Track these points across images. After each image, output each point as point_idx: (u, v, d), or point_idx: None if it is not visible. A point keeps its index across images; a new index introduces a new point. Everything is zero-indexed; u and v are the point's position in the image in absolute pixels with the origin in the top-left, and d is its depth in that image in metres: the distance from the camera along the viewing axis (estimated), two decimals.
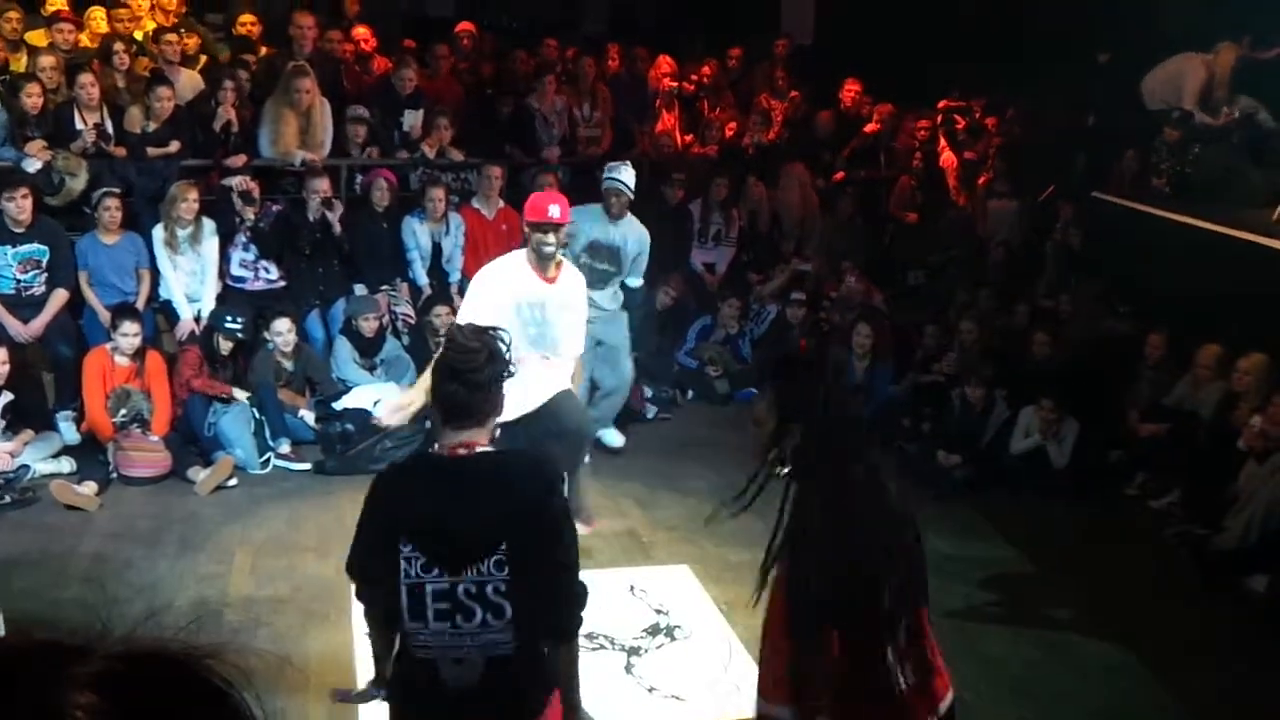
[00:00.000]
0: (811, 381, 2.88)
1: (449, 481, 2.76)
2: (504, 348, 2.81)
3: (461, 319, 4.91)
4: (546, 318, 5.26)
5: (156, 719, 0.69)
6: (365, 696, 3.20)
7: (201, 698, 0.72)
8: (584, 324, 5.56)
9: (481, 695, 2.73)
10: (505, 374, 2.81)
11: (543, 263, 5.26)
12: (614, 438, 7.31)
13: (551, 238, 5.23)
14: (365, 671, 4.74)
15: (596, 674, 4.73)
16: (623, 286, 6.93)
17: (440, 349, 2.90)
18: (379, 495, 2.85)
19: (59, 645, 0.74)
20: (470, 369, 2.74)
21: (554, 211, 5.22)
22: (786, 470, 2.83)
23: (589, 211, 6.84)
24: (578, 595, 2.86)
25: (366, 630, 3.14)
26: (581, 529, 4.16)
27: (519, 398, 4.71)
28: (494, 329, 2.86)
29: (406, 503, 2.77)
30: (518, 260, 5.31)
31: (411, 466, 3.14)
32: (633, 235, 6.88)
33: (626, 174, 6.84)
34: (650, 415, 8.03)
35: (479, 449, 2.79)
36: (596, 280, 6.82)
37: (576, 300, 5.44)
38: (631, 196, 6.83)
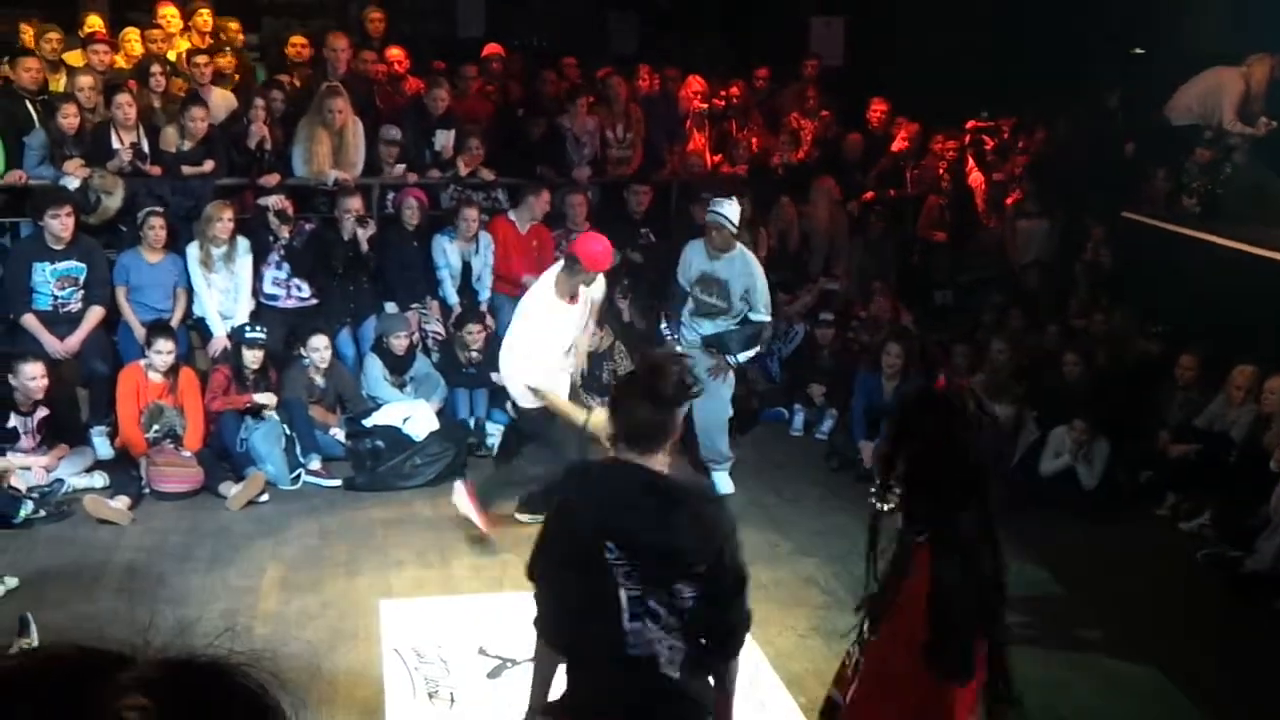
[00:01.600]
0: (954, 422, 2.77)
1: (647, 494, 2.85)
2: (691, 374, 2.93)
3: (522, 337, 5.94)
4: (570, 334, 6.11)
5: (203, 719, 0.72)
6: None
7: (242, 701, 0.75)
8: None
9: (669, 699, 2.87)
10: (691, 395, 2.90)
11: (573, 292, 5.99)
12: (724, 483, 7.10)
13: (597, 279, 6.06)
14: (393, 687, 4.79)
15: None
16: (745, 321, 6.98)
17: (630, 372, 3.17)
18: (573, 501, 2.97)
19: (104, 653, 0.77)
20: (662, 390, 2.83)
21: (608, 265, 6.08)
22: (893, 508, 2.82)
23: (697, 244, 7.00)
24: (748, 619, 2.98)
25: (534, 655, 3.16)
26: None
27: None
28: (682, 354, 3.11)
29: (611, 509, 2.85)
30: (549, 287, 6.00)
31: (605, 474, 3.04)
32: (738, 270, 6.88)
33: (729, 208, 6.79)
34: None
35: (662, 462, 2.89)
36: (705, 313, 6.94)
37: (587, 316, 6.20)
38: (734, 230, 6.82)
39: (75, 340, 7.31)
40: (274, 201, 7.82)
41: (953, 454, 2.72)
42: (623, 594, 2.77)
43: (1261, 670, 5.34)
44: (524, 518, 6.29)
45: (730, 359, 7.00)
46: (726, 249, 6.86)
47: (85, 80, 8.05)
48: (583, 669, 2.92)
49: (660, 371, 2.86)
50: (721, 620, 2.88)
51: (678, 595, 2.78)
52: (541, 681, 3.10)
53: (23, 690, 0.71)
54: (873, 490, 2.86)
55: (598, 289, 6.24)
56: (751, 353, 7.16)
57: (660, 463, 2.89)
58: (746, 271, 6.89)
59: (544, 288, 6.00)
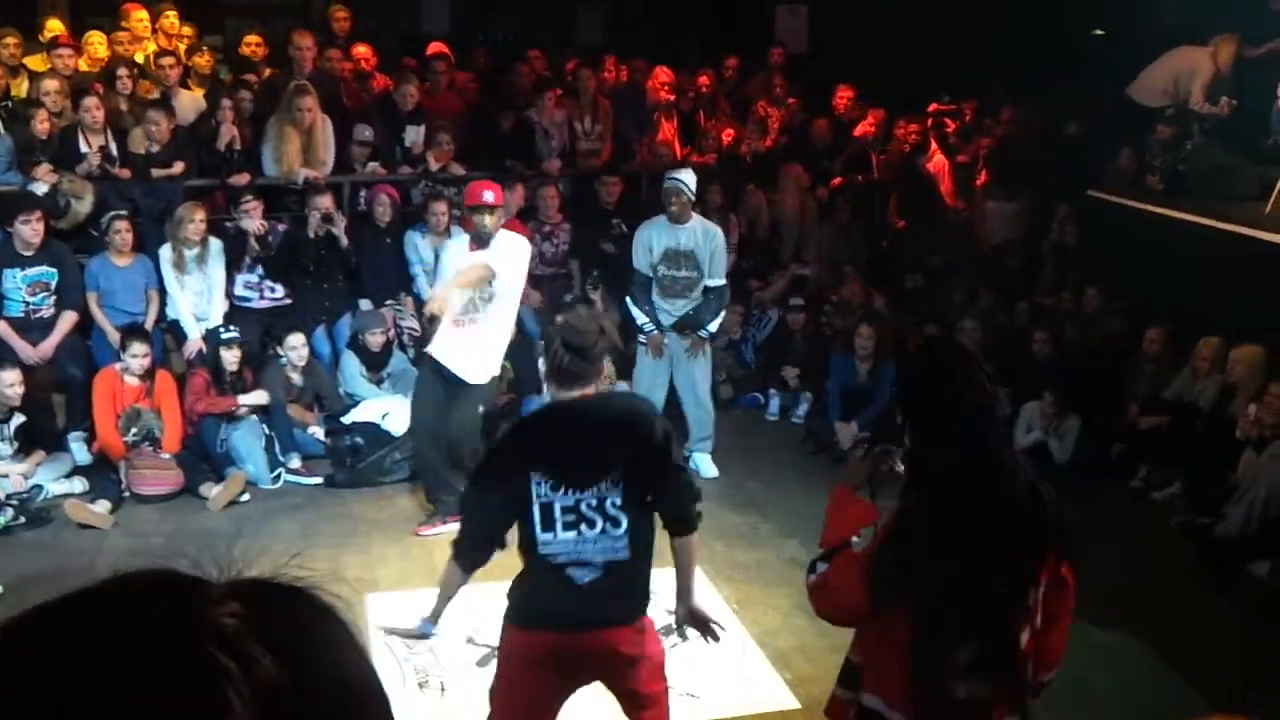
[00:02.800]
0: (951, 360, 2.89)
1: (571, 418, 3.31)
2: (614, 329, 3.46)
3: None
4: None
5: (292, 624, 0.76)
6: (415, 634, 3.84)
7: (323, 614, 0.80)
8: (506, 290, 6.02)
9: (601, 590, 3.25)
10: (614, 349, 3.43)
11: (480, 240, 6.03)
12: (707, 467, 7.23)
13: (488, 219, 6.00)
14: (383, 677, 4.80)
15: None
16: (705, 290, 7.05)
17: (560, 323, 3.53)
18: (509, 442, 3.44)
19: (184, 575, 0.81)
20: (586, 345, 3.29)
21: (488, 196, 6.02)
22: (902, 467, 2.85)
23: (654, 223, 7.06)
24: (694, 490, 3.47)
25: (444, 572, 3.69)
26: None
27: (449, 346, 6.06)
28: (606, 315, 3.47)
29: (536, 440, 3.32)
30: (461, 239, 6.31)
31: (537, 415, 3.69)
32: (701, 235, 7.00)
33: (687, 175, 6.97)
34: None
35: (590, 393, 3.36)
36: (680, 290, 6.98)
37: (502, 267, 5.95)
38: (692, 197, 6.94)
39: (49, 346, 7.28)
40: (255, 227, 7.74)
41: (949, 389, 2.77)
42: (556, 505, 3.20)
43: (1235, 633, 5.46)
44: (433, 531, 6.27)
45: (703, 333, 7.10)
46: (685, 218, 6.97)
47: (51, 84, 8.02)
48: (525, 582, 3.36)
49: (583, 330, 3.33)
50: (666, 500, 3.36)
51: (608, 495, 3.22)
52: (445, 599, 3.74)
53: (118, 604, 0.75)
54: (887, 449, 2.91)
55: (503, 261, 5.99)
56: (720, 319, 7.26)
57: (590, 390, 3.35)
58: (709, 236, 7.02)
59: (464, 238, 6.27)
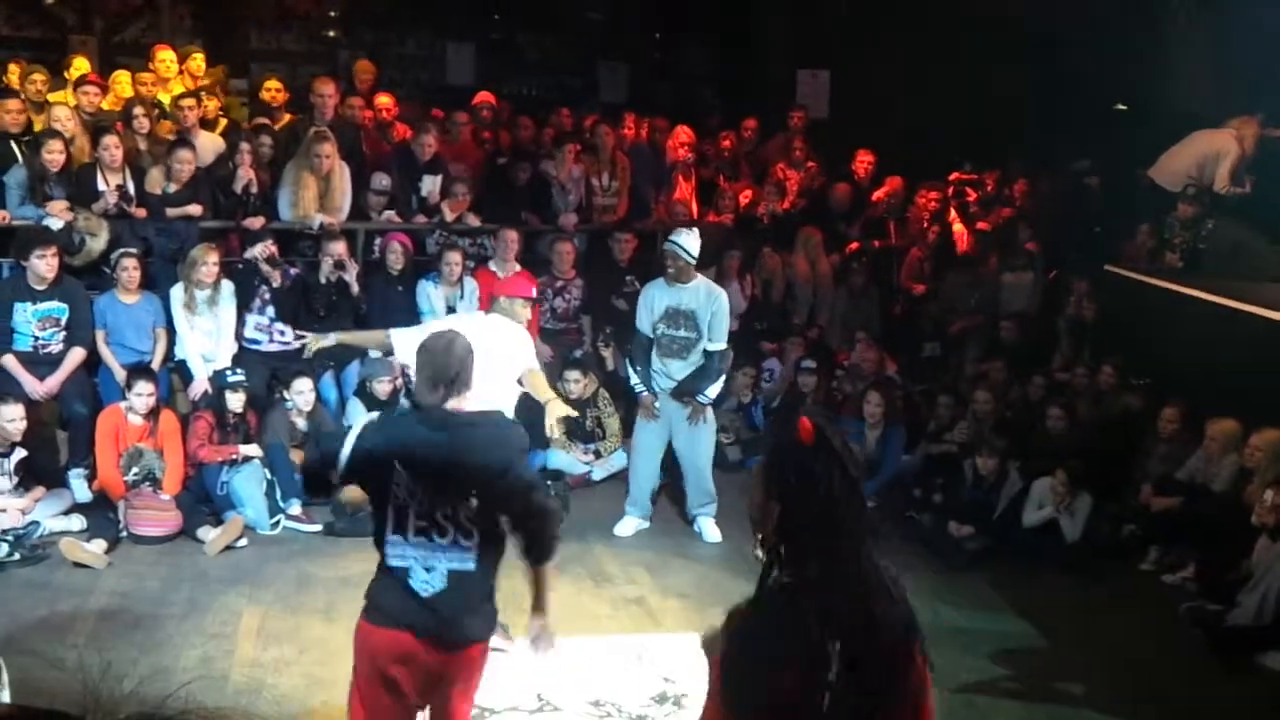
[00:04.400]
0: (809, 458, 2.44)
1: (439, 429, 3.41)
2: (461, 343, 3.56)
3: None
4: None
5: None
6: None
7: None
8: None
9: (442, 601, 3.36)
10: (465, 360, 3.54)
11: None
12: (710, 532, 7.14)
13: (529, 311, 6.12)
14: None
15: None
16: (706, 355, 6.96)
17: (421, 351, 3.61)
18: (375, 429, 3.52)
19: (54, 716, 0.75)
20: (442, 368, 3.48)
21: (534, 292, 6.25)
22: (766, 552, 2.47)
23: (657, 283, 7.03)
24: (549, 524, 3.52)
25: None
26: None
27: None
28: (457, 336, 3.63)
29: (406, 437, 3.41)
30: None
31: (410, 414, 3.69)
32: (704, 297, 6.93)
33: (687, 238, 6.89)
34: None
35: (462, 409, 3.48)
36: (678, 351, 6.91)
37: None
38: (690, 261, 6.86)
39: (55, 382, 7.26)
40: (259, 250, 7.78)
41: (815, 496, 2.40)
42: (411, 510, 3.33)
43: None
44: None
45: (701, 399, 7.01)
46: (686, 279, 6.92)
47: (61, 112, 8.05)
48: (383, 569, 3.47)
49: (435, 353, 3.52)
50: (525, 528, 3.46)
51: (462, 508, 3.34)
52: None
53: None
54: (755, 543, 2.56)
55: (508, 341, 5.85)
56: (719, 384, 7.15)
57: (463, 405, 3.50)
58: (711, 298, 6.95)
59: (525, 334, 5.95)
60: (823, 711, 2.29)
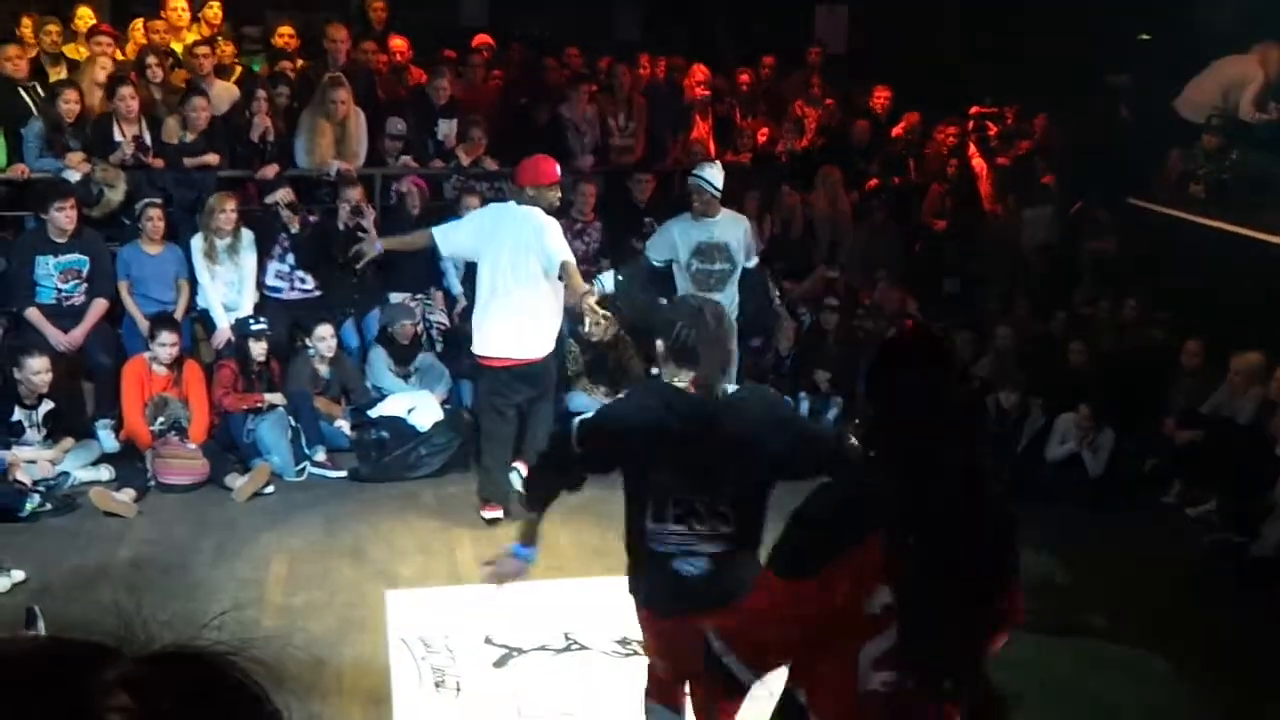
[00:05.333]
0: (913, 367, 2.56)
1: (696, 411, 3.26)
2: (713, 317, 3.37)
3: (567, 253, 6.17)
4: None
5: (186, 716, 0.71)
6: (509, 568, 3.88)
7: (227, 693, 0.74)
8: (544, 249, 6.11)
9: (711, 582, 3.22)
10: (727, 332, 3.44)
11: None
12: None
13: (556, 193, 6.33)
14: (400, 677, 4.80)
15: (629, 681, 4.74)
16: (744, 274, 7.01)
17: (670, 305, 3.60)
18: (626, 409, 3.50)
19: (91, 647, 0.76)
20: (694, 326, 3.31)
21: (557, 170, 6.34)
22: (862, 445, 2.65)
23: (680, 220, 7.00)
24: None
25: (532, 484, 4.00)
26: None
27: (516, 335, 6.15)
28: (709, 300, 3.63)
29: (662, 419, 3.25)
30: (552, 222, 6.27)
31: (661, 392, 3.40)
32: (731, 226, 6.96)
33: (711, 171, 6.88)
34: None
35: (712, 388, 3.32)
36: (715, 284, 6.91)
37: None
38: (716, 193, 6.85)
39: (79, 333, 7.30)
40: (281, 195, 7.80)
41: (920, 391, 2.52)
42: (671, 497, 3.23)
43: (1267, 654, 5.33)
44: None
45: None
46: (714, 212, 6.90)
47: (100, 74, 8.03)
48: (647, 555, 3.33)
49: (690, 311, 3.39)
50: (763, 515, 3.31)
51: (721, 497, 3.22)
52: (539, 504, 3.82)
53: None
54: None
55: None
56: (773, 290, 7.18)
57: (695, 382, 3.31)
58: (737, 224, 7.00)
59: (552, 224, 6.19)
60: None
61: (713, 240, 6.90)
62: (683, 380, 3.31)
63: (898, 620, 2.43)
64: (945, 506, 2.44)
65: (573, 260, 6.15)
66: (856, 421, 2.67)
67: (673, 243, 6.95)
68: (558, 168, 6.36)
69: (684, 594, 3.24)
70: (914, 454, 2.46)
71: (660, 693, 3.58)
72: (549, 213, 6.22)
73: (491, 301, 6.21)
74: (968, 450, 2.59)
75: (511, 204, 6.40)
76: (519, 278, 6.14)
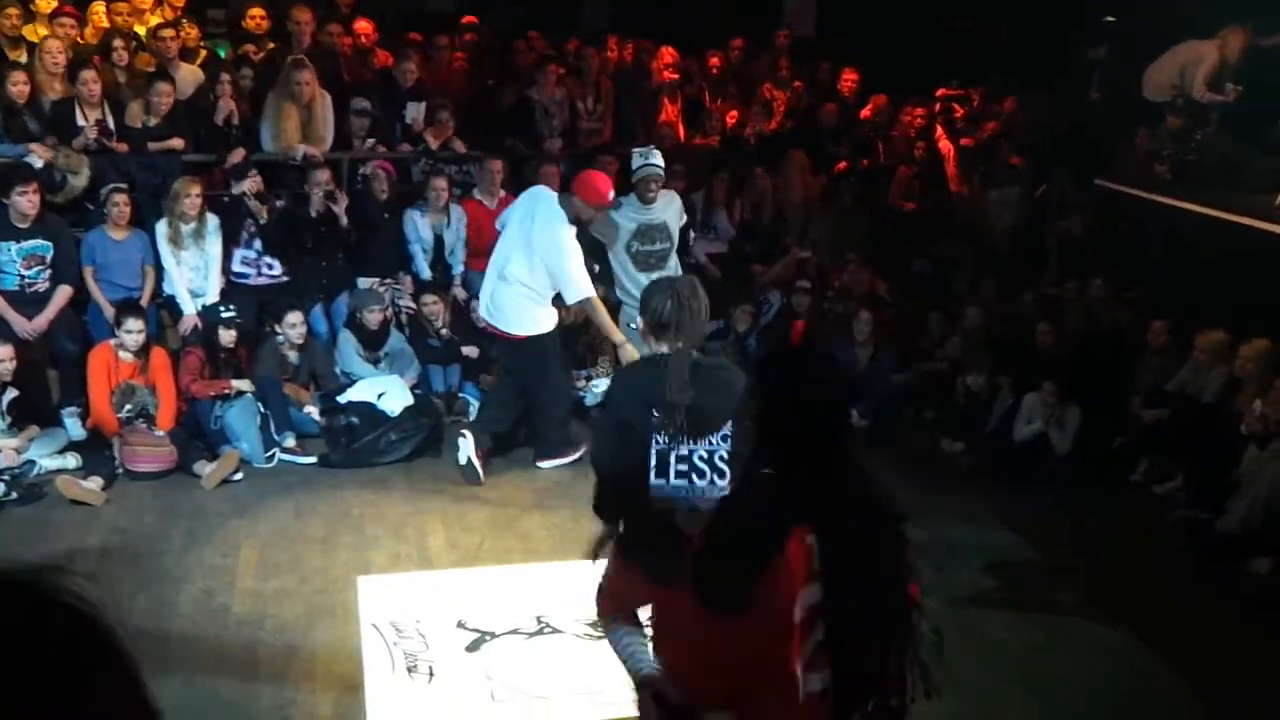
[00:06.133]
0: (799, 372, 2.52)
1: (687, 373, 3.50)
2: (687, 291, 3.64)
3: (573, 254, 6.52)
4: None
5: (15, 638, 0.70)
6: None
7: (43, 612, 0.73)
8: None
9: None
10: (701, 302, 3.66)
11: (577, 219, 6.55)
12: None
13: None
14: (372, 662, 4.79)
15: (601, 663, 4.75)
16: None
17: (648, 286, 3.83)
18: (628, 381, 3.76)
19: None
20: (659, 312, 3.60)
21: (609, 196, 6.62)
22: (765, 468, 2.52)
23: (625, 202, 7.10)
24: None
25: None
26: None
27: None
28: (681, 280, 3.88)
29: (658, 383, 3.50)
30: (560, 214, 6.56)
31: (653, 361, 3.67)
32: (666, 203, 7.15)
33: (656, 156, 7.09)
34: None
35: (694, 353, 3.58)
36: (655, 263, 7.05)
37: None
38: (662, 175, 7.09)
39: (43, 320, 7.22)
40: (248, 185, 7.72)
41: (800, 406, 2.46)
42: (672, 454, 3.46)
43: (1232, 629, 5.40)
44: (545, 465, 6.86)
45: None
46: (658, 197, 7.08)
47: (54, 45, 7.92)
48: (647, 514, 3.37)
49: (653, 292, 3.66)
50: None
51: (718, 449, 3.44)
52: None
53: None
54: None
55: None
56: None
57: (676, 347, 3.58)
58: (671, 202, 7.19)
59: (558, 216, 6.47)
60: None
61: (653, 222, 7.07)
62: (667, 351, 3.57)
63: (825, 616, 2.36)
64: (855, 502, 2.41)
65: (593, 297, 6.55)
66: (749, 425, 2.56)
67: (611, 234, 7.04)
68: (611, 194, 6.63)
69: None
70: (815, 458, 2.41)
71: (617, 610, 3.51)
72: (572, 221, 6.50)
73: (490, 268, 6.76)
74: (850, 451, 2.49)
75: (545, 190, 6.78)
76: (506, 253, 6.58)
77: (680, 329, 3.56)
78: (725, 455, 3.46)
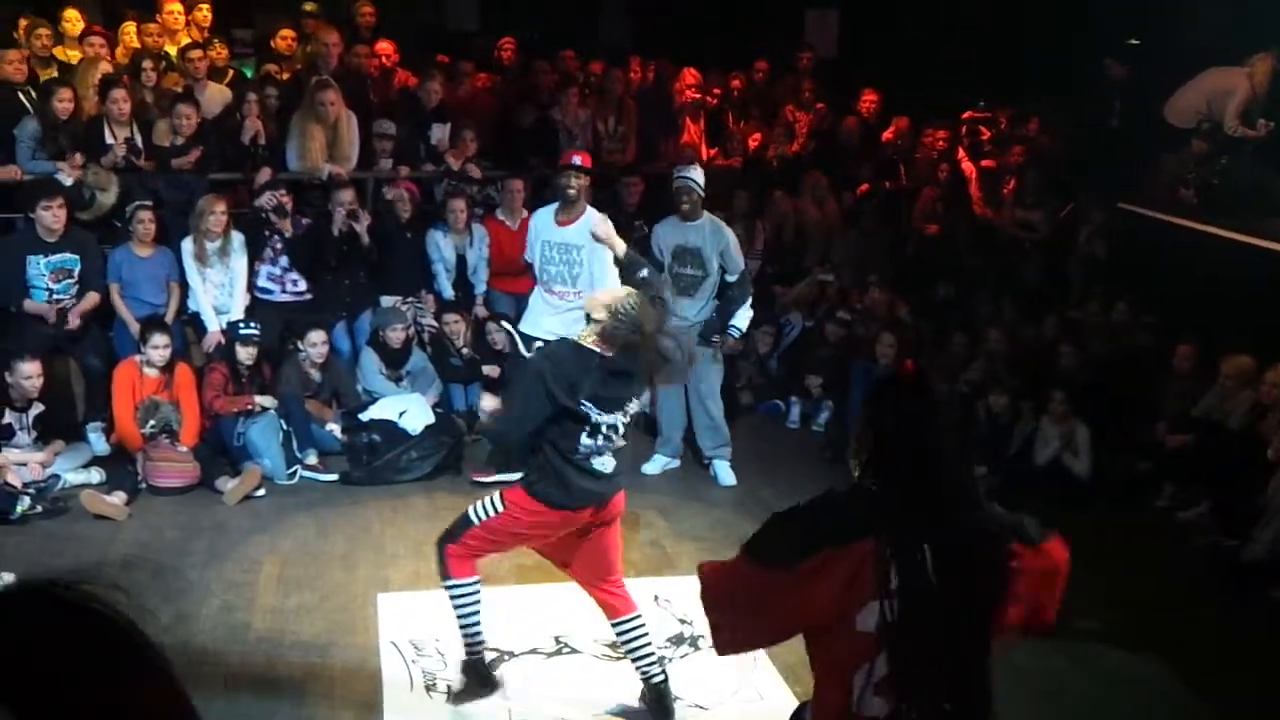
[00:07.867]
0: (911, 402, 2.59)
1: (607, 365, 4.25)
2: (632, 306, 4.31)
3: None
4: (563, 256, 6.66)
5: (33, 647, 0.71)
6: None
7: (80, 626, 0.74)
8: (600, 261, 6.44)
9: (615, 472, 4.39)
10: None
11: (565, 207, 6.66)
12: (725, 475, 7.22)
13: (573, 180, 6.60)
14: (391, 679, 4.79)
15: (619, 684, 4.74)
16: (726, 286, 7.01)
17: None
18: (551, 361, 4.30)
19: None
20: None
21: (575, 159, 6.70)
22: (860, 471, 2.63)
23: (665, 222, 7.11)
24: None
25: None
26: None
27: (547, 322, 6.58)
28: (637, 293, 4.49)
29: (584, 373, 4.22)
30: (547, 209, 6.84)
31: (572, 350, 4.36)
32: (709, 233, 6.98)
33: (695, 172, 6.98)
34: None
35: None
36: (686, 289, 6.95)
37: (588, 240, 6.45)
38: (702, 194, 6.95)
39: (74, 317, 7.25)
40: (266, 199, 7.77)
41: (913, 437, 2.54)
42: (596, 420, 4.22)
43: (1258, 659, 5.35)
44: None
45: (733, 332, 7.07)
46: (696, 216, 6.97)
47: (97, 76, 8.04)
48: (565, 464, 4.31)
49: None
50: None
51: (625, 414, 4.34)
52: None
53: None
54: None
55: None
56: (747, 312, 7.15)
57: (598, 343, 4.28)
58: (718, 234, 7.00)
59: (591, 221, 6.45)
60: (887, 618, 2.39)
61: (688, 244, 6.97)
62: (590, 340, 4.28)
63: (888, 645, 2.40)
64: (946, 529, 2.45)
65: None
66: (854, 448, 2.64)
67: (658, 246, 7.02)
68: (575, 158, 6.79)
69: (591, 490, 4.30)
70: (917, 481, 2.50)
71: (460, 569, 4.43)
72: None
73: None
74: (966, 479, 2.63)
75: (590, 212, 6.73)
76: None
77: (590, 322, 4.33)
78: (627, 419, 4.37)
